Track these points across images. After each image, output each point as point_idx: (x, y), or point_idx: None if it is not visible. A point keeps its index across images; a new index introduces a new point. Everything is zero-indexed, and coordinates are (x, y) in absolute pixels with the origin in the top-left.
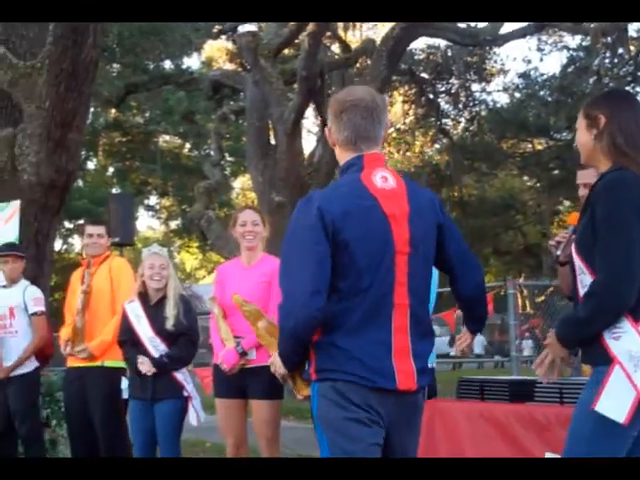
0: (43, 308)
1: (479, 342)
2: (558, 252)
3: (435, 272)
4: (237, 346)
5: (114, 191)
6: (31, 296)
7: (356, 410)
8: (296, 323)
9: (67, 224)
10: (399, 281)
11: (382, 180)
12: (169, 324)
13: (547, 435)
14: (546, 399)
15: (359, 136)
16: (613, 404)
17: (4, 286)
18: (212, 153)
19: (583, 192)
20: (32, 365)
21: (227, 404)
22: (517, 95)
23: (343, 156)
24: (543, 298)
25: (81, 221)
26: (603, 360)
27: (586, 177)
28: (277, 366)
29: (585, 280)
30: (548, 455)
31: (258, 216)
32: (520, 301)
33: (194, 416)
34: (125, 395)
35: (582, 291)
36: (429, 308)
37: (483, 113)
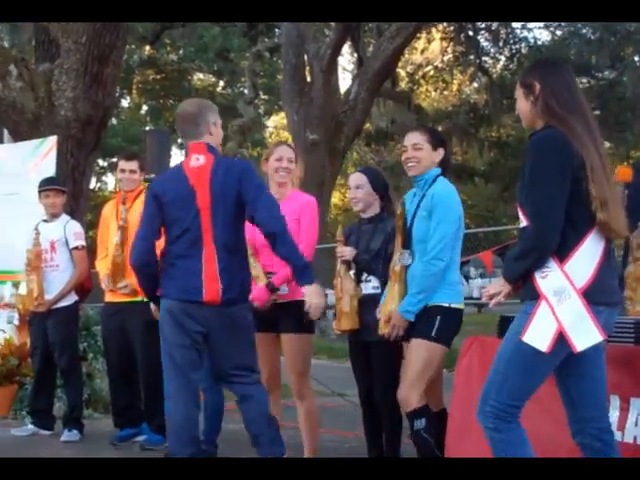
0: (84, 242)
1: None
2: None
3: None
4: (268, 283)
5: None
6: (72, 230)
7: (177, 324)
8: (131, 258)
9: (101, 162)
10: (205, 228)
11: (195, 160)
12: None
13: None
14: None
15: (184, 136)
16: (538, 335)
17: (45, 220)
18: (246, 91)
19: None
20: (72, 299)
21: (259, 337)
22: (559, 33)
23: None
24: None
25: (115, 159)
26: (533, 295)
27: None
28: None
29: (523, 225)
30: None
31: (293, 153)
32: None
33: None
34: None
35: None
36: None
37: (523, 51)
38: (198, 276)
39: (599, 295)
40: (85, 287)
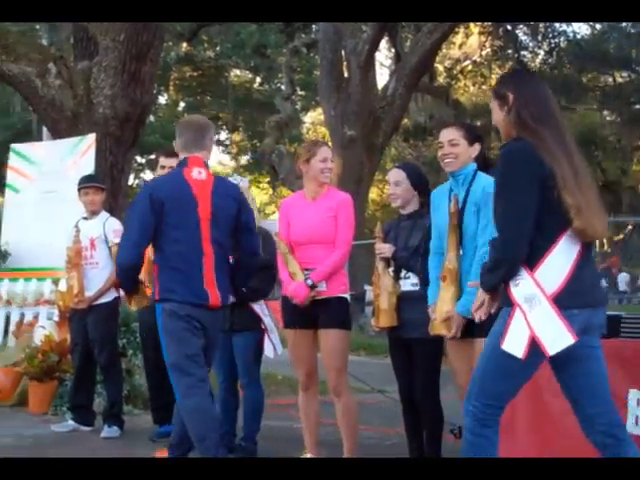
0: None
1: (622, 279)
2: None
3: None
4: (307, 279)
5: None
6: (111, 227)
7: (184, 321)
8: (123, 260)
9: (139, 159)
10: (205, 238)
11: (197, 173)
12: None
13: (633, 370)
14: (632, 334)
15: (187, 145)
16: (514, 342)
17: (85, 218)
18: (283, 87)
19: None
20: (111, 295)
21: (298, 333)
22: (598, 26)
23: (181, 155)
24: (621, 236)
25: (152, 156)
26: (509, 302)
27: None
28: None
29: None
30: (632, 391)
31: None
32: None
33: (270, 349)
34: None
35: None
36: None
37: (563, 45)
38: (201, 281)
39: (572, 299)
40: None
